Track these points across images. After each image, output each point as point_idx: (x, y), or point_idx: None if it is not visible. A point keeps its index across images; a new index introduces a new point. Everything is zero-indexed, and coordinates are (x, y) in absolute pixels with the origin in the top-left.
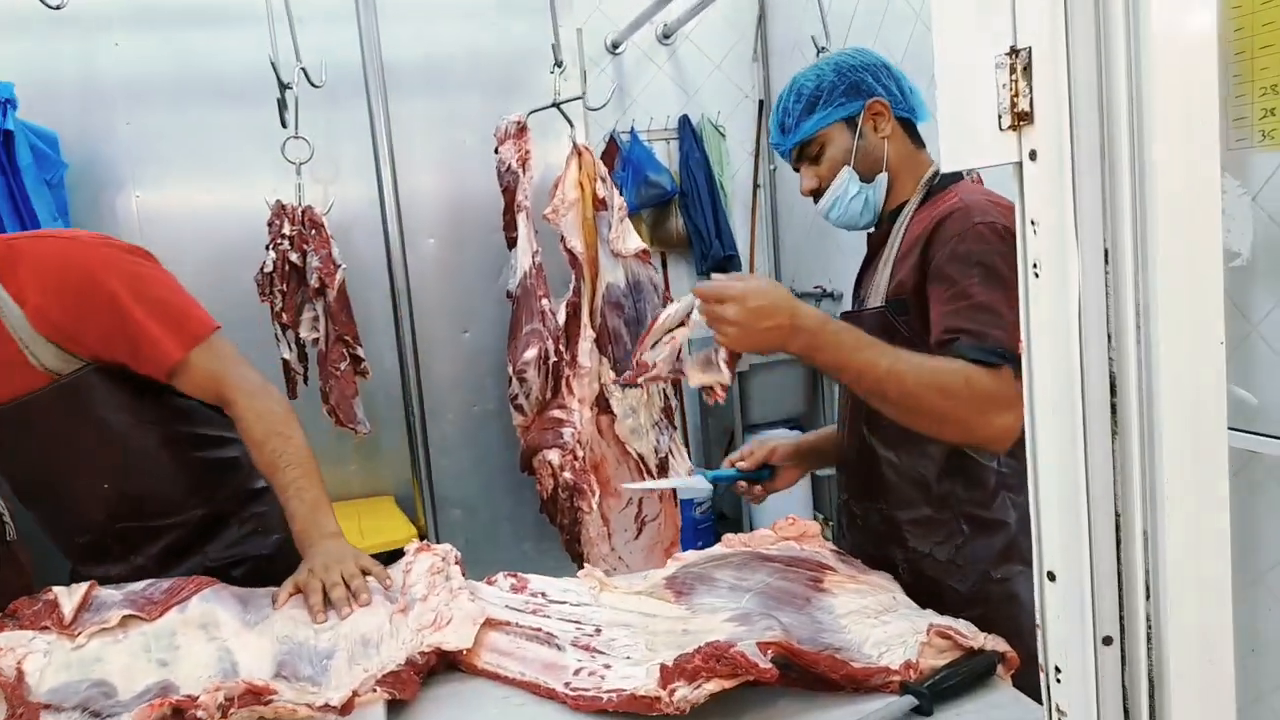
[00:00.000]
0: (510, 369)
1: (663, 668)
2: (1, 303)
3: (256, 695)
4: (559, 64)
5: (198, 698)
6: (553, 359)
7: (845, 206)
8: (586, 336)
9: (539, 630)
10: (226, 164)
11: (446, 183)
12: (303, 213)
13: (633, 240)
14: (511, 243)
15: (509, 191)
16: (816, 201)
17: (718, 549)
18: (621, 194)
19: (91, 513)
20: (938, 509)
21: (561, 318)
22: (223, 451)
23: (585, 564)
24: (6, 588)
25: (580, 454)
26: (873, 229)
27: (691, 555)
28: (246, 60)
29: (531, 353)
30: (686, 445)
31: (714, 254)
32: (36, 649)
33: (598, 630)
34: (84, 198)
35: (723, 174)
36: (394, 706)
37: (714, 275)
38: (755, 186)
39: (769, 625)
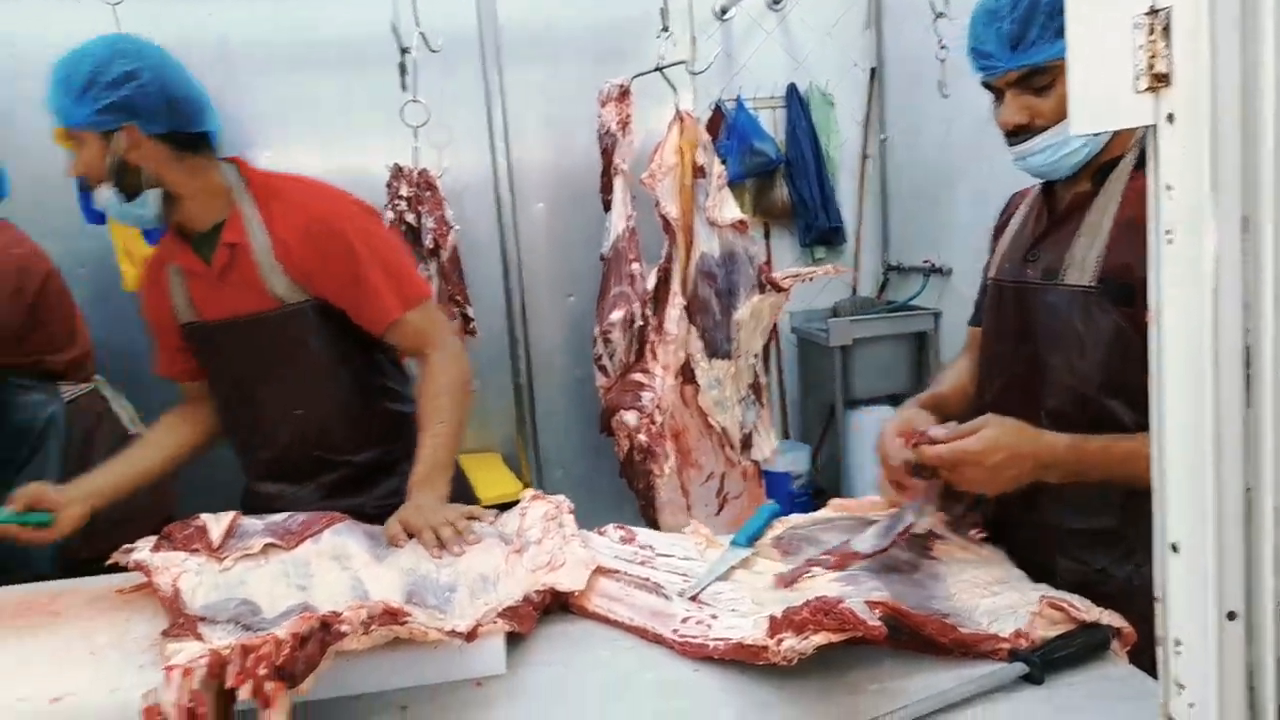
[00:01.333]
0: (596, 330)
1: (771, 618)
2: (255, 229)
3: (393, 615)
4: (666, 29)
5: (342, 614)
6: (638, 323)
7: (1060, 155)
8: (675, 304)
9: (647, 580)
10: (346, 128)
11: (555, 149)
12: (419, 175)
13: (729, 210)
14: (607, 206)
15: (607, 154)
16: (1013, 138)
17: (824, 513)
18: (724, 163)
19: (279, 433)
20: (1123, 523)
21: (651, 283)
22: (402, 407)
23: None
24: (161, 503)
25: (658, 419)
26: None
27: (798, 518)
28: (366, 25)
29: (618, 315)
30: (784, 421)
31: (819, 225)
32: (189, 569)
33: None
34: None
35: (830, 144)
36: (512, 639)
37: (932, 433)
38: (864, 157)
39: (876, 587)
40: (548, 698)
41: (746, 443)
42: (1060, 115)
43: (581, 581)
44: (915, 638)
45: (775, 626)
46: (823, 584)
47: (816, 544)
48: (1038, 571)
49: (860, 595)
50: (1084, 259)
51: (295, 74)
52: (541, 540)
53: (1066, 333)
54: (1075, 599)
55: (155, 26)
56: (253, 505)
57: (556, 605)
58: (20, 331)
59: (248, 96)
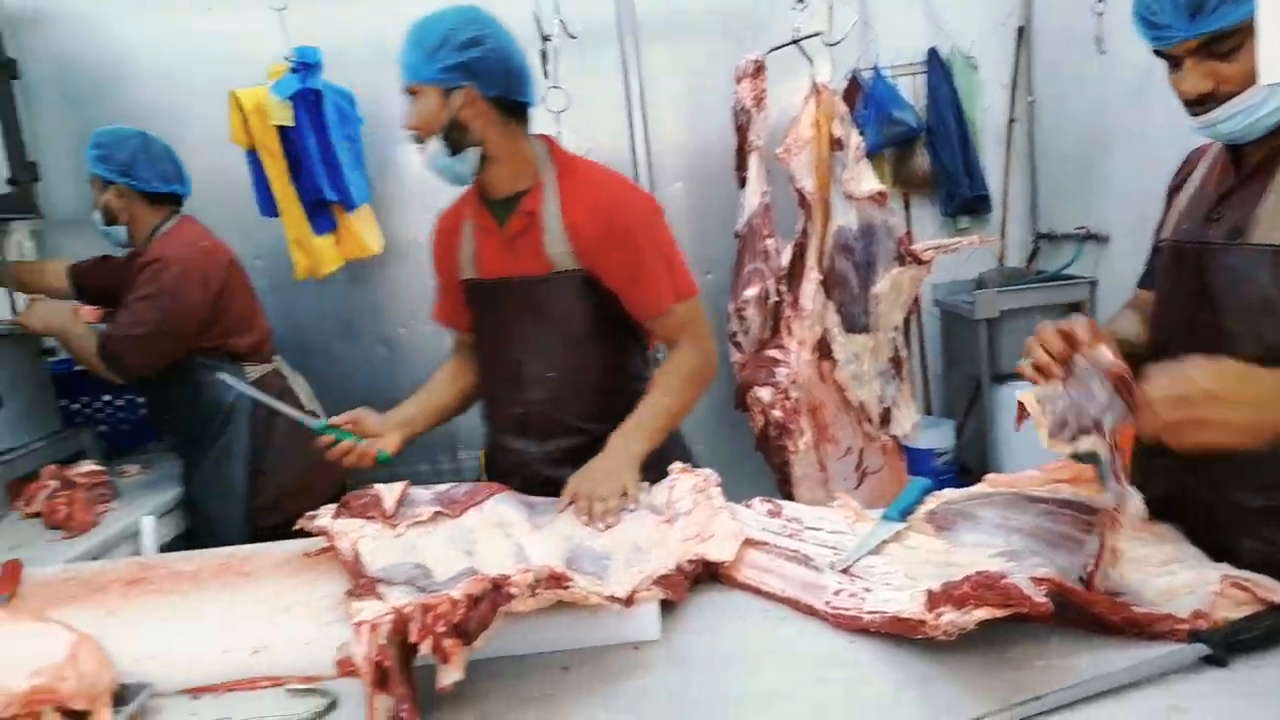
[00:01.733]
0: (731, 306)
1: (929, 592)
2: (552, 202)
3: (557, 580)
4: (801, 0)
5: (511, 577)
6: (773, 299)
7: (1252, 119)
8: (811, 278)
9: (796, 552)
10: None
11: (692, 128)
12: None
13: (868, 182)
14: (742, 183)
15: (742, 131)
16: (1196, 108)
17: (980, 487)
18: (863, 134)
19: (531, 392)
20: None
21: (786, 258)
22: (643, 390)
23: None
24: (333, 473)
25: (793, 395)
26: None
27: (952, 493)
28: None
29: (752, 291)
30: (927, 397)
31: (962, 194)
32: (366, 534)
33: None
34: (375, 151)
35: (973, 109)
36: (664, 606)
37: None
38: (1010, 121)
39: (1040, 563)
40: (704, 664)
41: (886, 417)
42: (1248, 80)
43: (731, 552)
44: (1082, 615)
45: (934, 601)
46: (982, 558)
47: (973, 520)
48: (1215, 551)
49: (1023, 571)
50: (1275, 217)
51: None
52: (691, 512)
53: (1252, 295)
54: (1262, 579)
55: (317, 29)
56: (496, 459)
57: (706, 575)
58: (208, 316)
59: (396, 91)
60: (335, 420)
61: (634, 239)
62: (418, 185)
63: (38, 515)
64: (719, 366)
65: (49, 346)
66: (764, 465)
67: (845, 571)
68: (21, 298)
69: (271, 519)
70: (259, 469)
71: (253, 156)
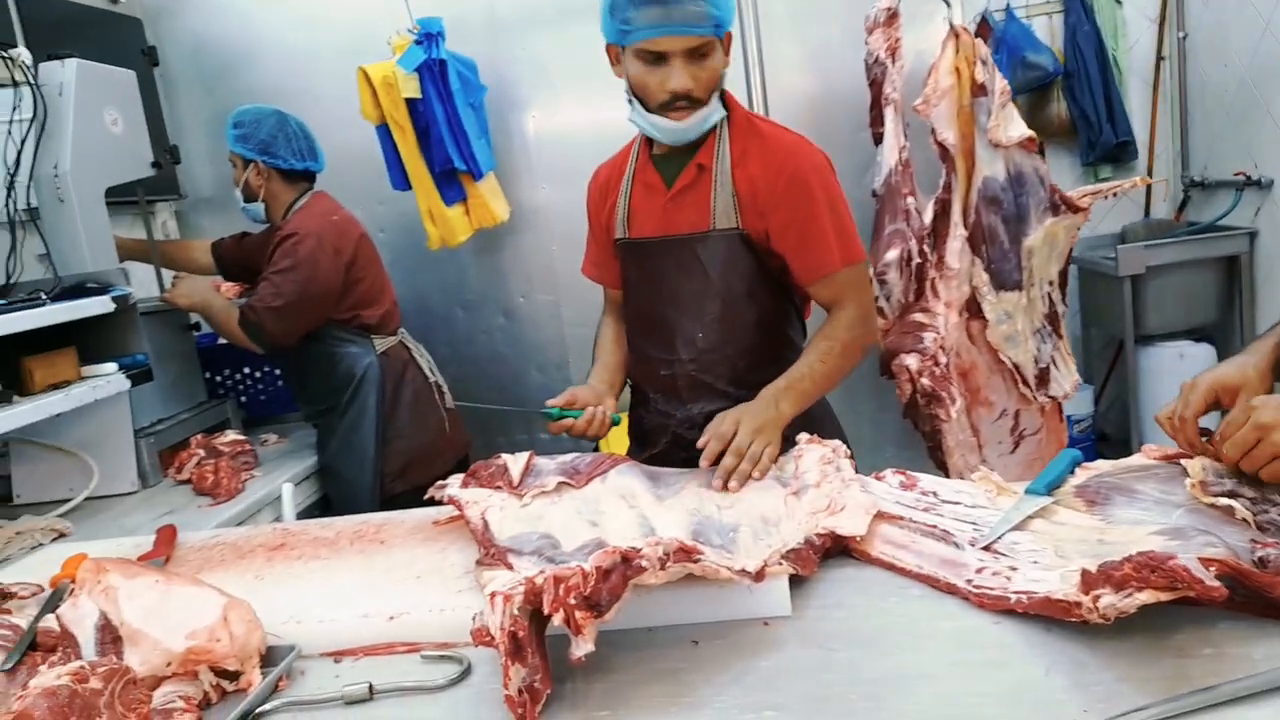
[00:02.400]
0: (870, 270)
1: (1084, 573)
2: (725, 156)
3: (687, 553)
4: None
5: (641, 549)
6: (916, 260)
7: None
8: (956, 235)
9: (934, 527)
10: (608, 80)
11: (814, 82)
12: None
13: (1016, 127)
14: (878, 139)
15: (876, 85)
16: None
17: (1136, 459)
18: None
19: (681, 352)
20: None
21: (928, 216)
22: (791, 354)
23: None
24: (456, 445)
25: (942, 360)
26: None
27: (1105, 464)
28: None
29: (893, 254)
30: None
31: (1104, 141)
32: (493, 504)
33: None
34: (493, 119)
35: (1117, 48)
36: (794, 581)
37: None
38: (1158, 59)
39: (1210, 542)
40: (838, 642)
41: (1043, 378)
42: None
43: (863, 527)
44: (1256, 600)
45: (1090, 581)
46: (1141, 536)
47: (1130, 494)
48: None
49: (1191, 551)
50: None
51: (557, 31)
52: (819, 484)
53: None
54: None
55: (435, 2)
56: (640, 419)
57: (836, 550)
58: (341, 288)
59: (513, 58)
60: (555, 402)
61: (809, 193)
62: (538, 153)
63: (187, 482)
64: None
65: (194, 322)
66: (909, 433)
67: (988, 548)
68: (168, 275)
69: (399, 486)
70: (387, 438)
71: (383, 131)
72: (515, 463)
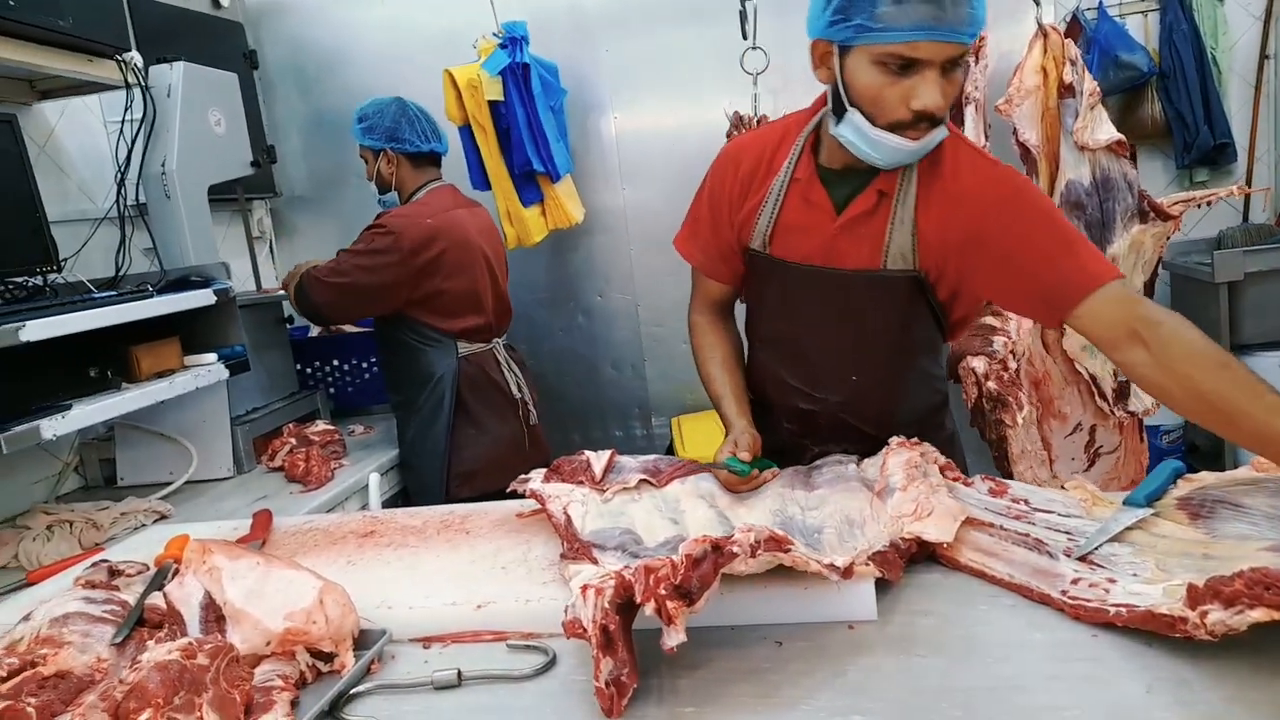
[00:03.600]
0: None
1: (1191, 588)
2: (909, 185)
3: (778, 543)
4: None
5: (733, 536)
6: None
7: None
8: None
9: (1026, 536)
10: (688, 81)
11: None
12: (758, 121)
13: (1104, 130)
14: None
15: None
16: None
17: (1243, 472)
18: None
19: (827, 392)
20: None
21: None
22: (929, 392)
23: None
24: (532, 462)
25: (1011, 365)
26: None
27: (1209, 477)
28: None
29: None
30: None
31: (1200, 143)
32: (575, 499)
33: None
34: (574, 122)
35: (1216, 46)
36: (880, 585)
37: None
38: (1262, 59)
39: None
40: (927, 649)
41: (1122, 392)
42: None
43: (950, 533)
44: None
45: (1197, 597)
46: (1249, 552)
47: (1237, 508)
48: None
49: None
50: None
51: (640, 34)
52: (906, 487)
53: None
54: None
55: (521, 3)
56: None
57: (923, 555)
58: (405, 291)
59: (596, 61)
60: (744, 457)
61: (1027, 231)
62: (619, 155)
63: (280, 469)
64: None
65: (288, 315)
66: (977, 440)
67: (1084, 559)
68: (265, 270)
69: (464, 491)
70: (458, 441)
71: (466, 132)
72: (598, 459)
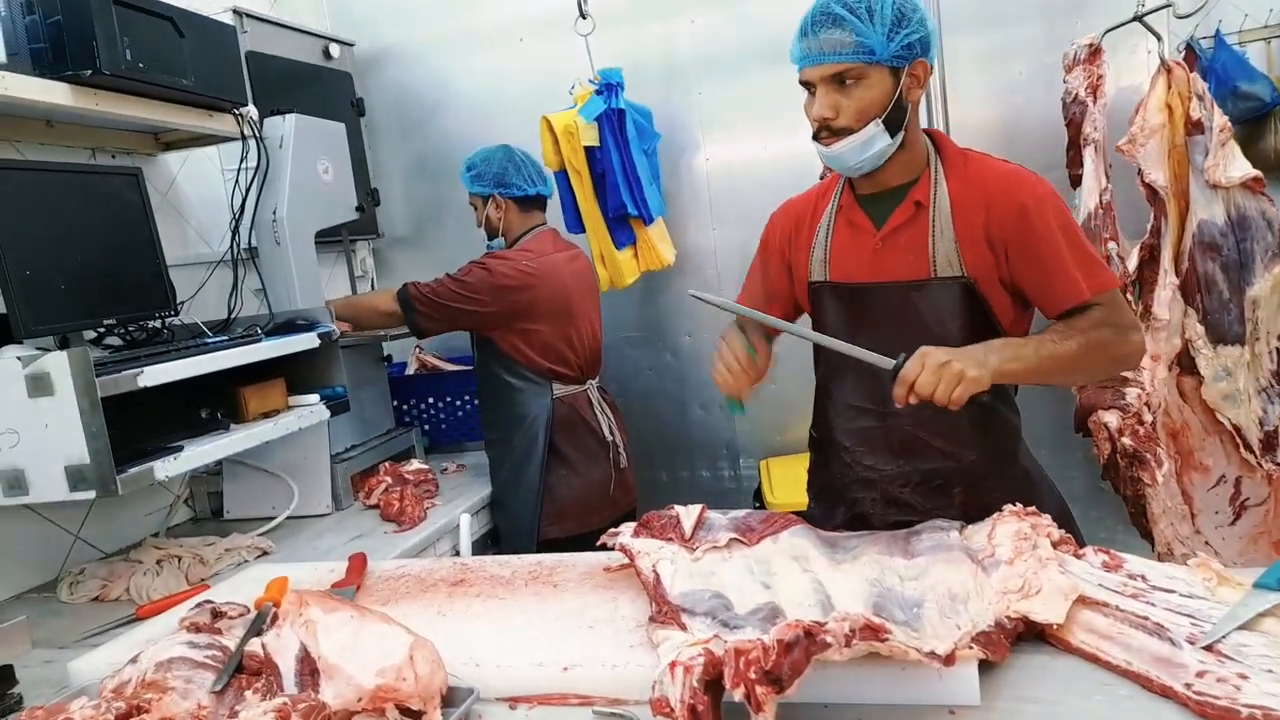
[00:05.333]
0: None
1: None
2: (942, 193)
3: (874, 631)
4: None
5: (826, 624)
6: None
7: None
8: (1166, 284)
9: (1145, 619)
10: (779, 119)
11: (998, 119)
12: None
13: (1238, 166)
14: (1075, 181)
15: (1074, 124)
16: None
17: None
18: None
19: (893, 407)
20: None
21: (1134, 263)
22: (1009, 414)
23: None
24: (619, 505)
25: (1147, 418)
26: None
27: None
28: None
29: None
30: None
31: None
32: (664, 556)
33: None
34: (666, 163)
35: None
36: (982, 667)
37: None
38: None
39: None
40: None
41: (1271, 442)
42: None
43: (1061, 613)
44: None
45: None
46: None
47: None
48: None
49: None
50: None
51: (732, 75)
52: (1013, 560)
53: None
54: None
55: (616, 50)
56: (833, 470)
57: (1030, 634)
58: (496, 328)
59: (688, 104)
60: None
61: (1045, 225)
62: (710, 195)
63: (375, 507)
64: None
65: (386, 355)
66: (1100, 495)
67: (1210, 649)
68: None
69: (554, 531)
70: (550, 481)
71: (562, 176)
72: (688, 515)
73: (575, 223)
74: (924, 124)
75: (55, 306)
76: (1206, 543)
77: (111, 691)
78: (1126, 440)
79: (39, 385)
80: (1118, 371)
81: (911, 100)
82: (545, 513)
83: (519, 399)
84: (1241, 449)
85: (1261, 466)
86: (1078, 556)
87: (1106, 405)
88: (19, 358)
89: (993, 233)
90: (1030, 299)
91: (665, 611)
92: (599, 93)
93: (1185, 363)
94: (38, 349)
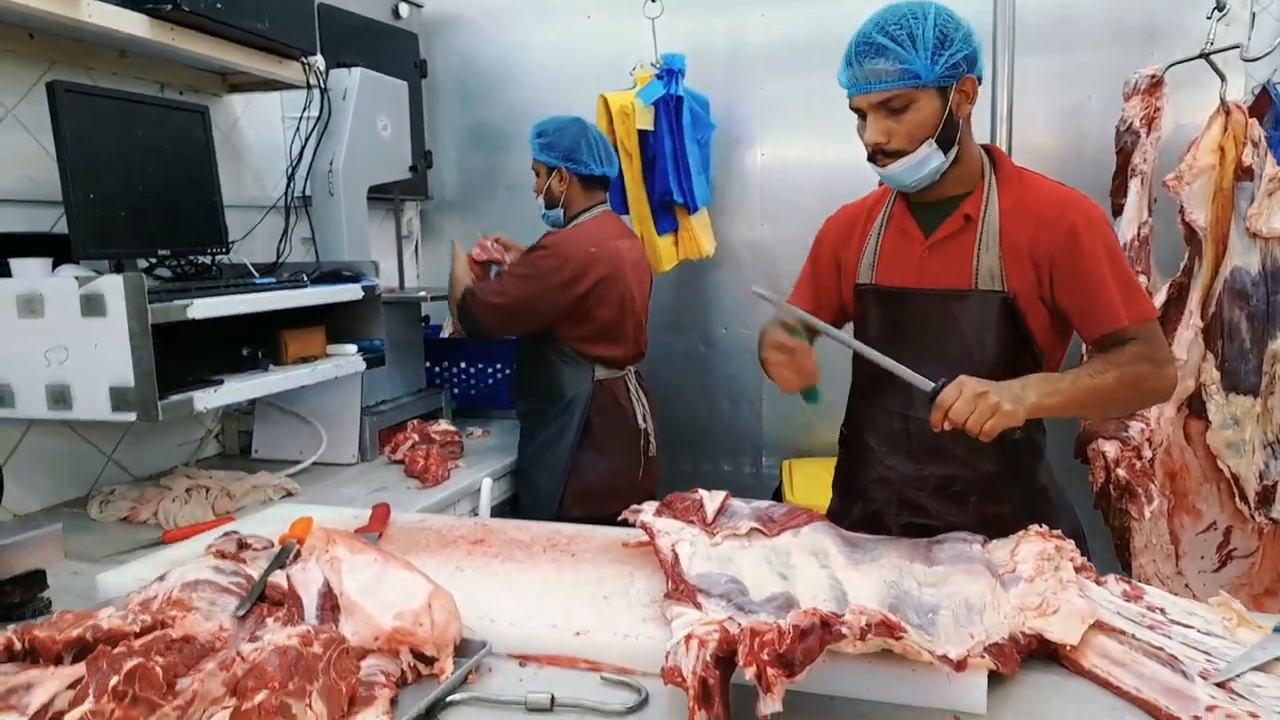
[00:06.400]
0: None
1: None
2: (992, 209)
3: (890, 628)
4: (1221, 8)
5: (844, 616)
6: None
7: None
8: (1190, 325)
9: (1160, 650)
10: (841, 123)
11: (1063, 144)
12: None
13: None
14: (1117, 210)
15: (1124, 153)
16: None
17: None
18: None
19: (920, 410)
20: None
21: (1160, 299)
22: (1031, 426)
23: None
24: (643, 492)
25: (1146, 454)
26: None
27: None
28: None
29: None
30: None
31: None
32: (684, 538)
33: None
34: (719, 154)
35: None
36: (991, 678)
37: None
38: None
39: None
40: None
41: (1267, 497)
42: None
43: (1076, 635)
44: None
45: None
46: None
47: None
48: None
49: None
50: None
51: (799, 72)
52: (1034, 579)
53: None
54: None
55: (681, 36)
56: (855, 470)
57: (1043, 653)
58: (563, 314)
59: (750, 96)
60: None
61: (1088, 250)
62: (761, 191)
63: (400, 462)
64: None
65: (425, 315)
66: (1095, 524)
67: (1223, 685)
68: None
69: (577, 510)
70: (579, 461)
71: None
72: (711, 500)
73: (620, 204)
74: (987, 141)
75: (113, 232)
76: (1186, 585)
77: (138, 605)
78: (1121, 472)
79: (92, 306)
80: (1150, 405)
81: (962, 115)
82: (569, 491)
83: (560, 376)
84: (1237, 499)
85: (1254, 519)
86: (1099, 584)
87: (1108, 435)
88: (76, 277)
89: (1039, 251)
90: (1069, 320)
91: (681, 589)
92: (659, 77)
93: (1195, 405)
94: (93, 271)
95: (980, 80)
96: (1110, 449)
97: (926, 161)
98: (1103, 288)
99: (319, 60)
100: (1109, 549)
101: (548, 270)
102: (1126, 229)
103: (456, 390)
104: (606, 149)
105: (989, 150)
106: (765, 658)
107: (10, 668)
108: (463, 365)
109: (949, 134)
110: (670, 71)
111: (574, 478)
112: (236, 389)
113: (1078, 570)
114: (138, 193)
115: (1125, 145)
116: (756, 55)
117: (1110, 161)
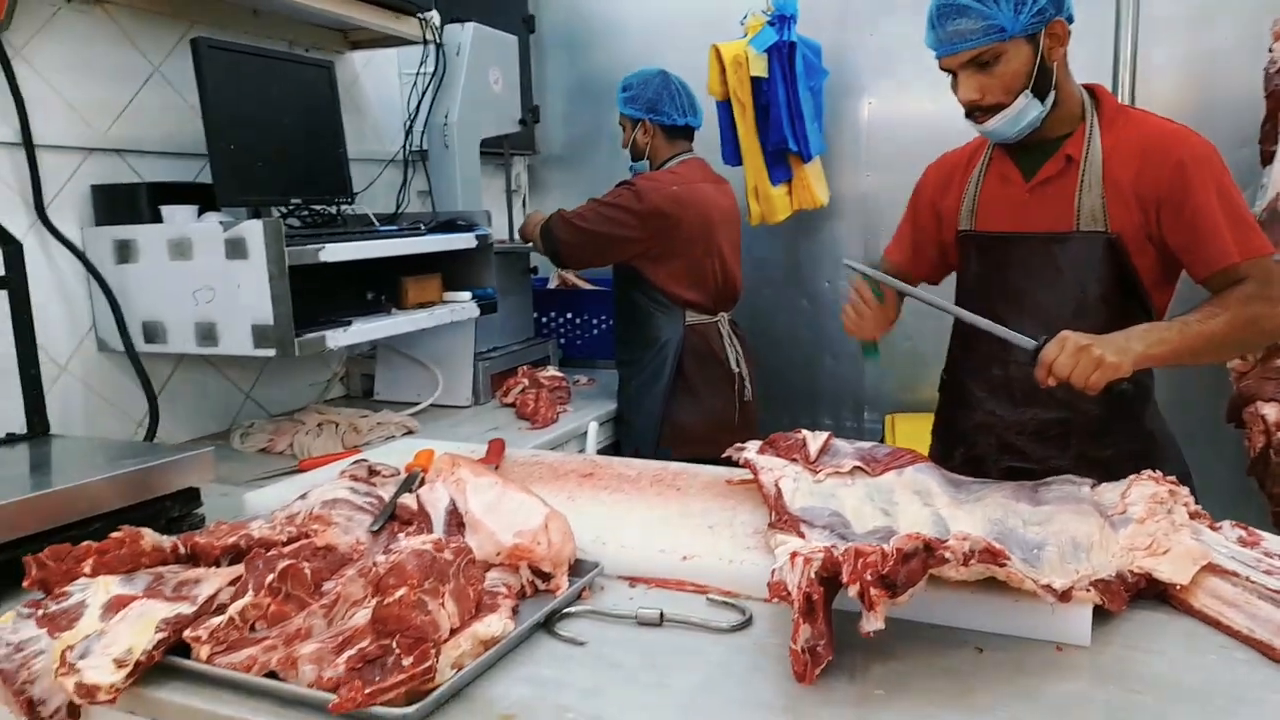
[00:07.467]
0: None
1: None
2: (1095, 148)
3: (994, 555)
4: None
5: (947, 541)
6: None
7: None
8: None
9: (1276, 592)
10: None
11: (1192, 91)
12: None
13: None
14: (1267, 158)
15: (1275, 96)
16: None
17: None
18: None
19: (1020, 354)
20: None
21: None
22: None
23: None
24: (740, 436)
25: None
26: None
27: None
28: None
29: None
30: None
31: None
32: (787, 474)
33: None
34: (828, 104)
35: None
36: (1097, 614)
37: None
38: None
39: None
40: (1142, 684)
41: None
42: None
43: (1186, 575)
44: None
45: None
46: None
47: None
48: None
49: None
50: None
51: (905, 22)
52: (1144, 520)
53: None
54: None
55: None
56: (956, 417)
57: (1151, 593)
58: (641, 252)
59: (859, 45)
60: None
61: (1196, 185)
62: (869, 140)
63: (511, 405)
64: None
65: (534, 265)
66: (1247, 491)
67: None
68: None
69: (675, 453)
70: (674, 405)
71: (724, 107)
72: (815, 439)
73: (733, 155)
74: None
75: (251, 181)
76: None
77: (284, 518)
78: None
79: (236, 249)
80: (1267, 344)
81: (1055, 60)
82: (665, 434)
83: (652, 322)
84: None
85: None
86: (1213, 529)
87: (1268, 396)
88: (221, 223)
89: (1144, 188)
90: (1178, 258)
91: (785, 520)
92: (771, 24)
93: None
94: (234, 218)
95: (1071, 20)
96: (1270, 411)
97: (1025, 113)
98: (1213, 224)
99: (434, 15)
100: (1265, 519)
101: (627, 203)
102: (1278, 177)
103: (563, 341)
104: (690, 99)
105: (1091, 89)
106: (869, 578)
107: (177, 568)
108: (569, 315)
109: (1044, 81)
110: (783, 18)
111: (669, 421)
112: (363, 329)
113: (1191, 516)
114: (273, 145)
115: (1275, 88)
116: (868, 2)
117: (1247, 107)
